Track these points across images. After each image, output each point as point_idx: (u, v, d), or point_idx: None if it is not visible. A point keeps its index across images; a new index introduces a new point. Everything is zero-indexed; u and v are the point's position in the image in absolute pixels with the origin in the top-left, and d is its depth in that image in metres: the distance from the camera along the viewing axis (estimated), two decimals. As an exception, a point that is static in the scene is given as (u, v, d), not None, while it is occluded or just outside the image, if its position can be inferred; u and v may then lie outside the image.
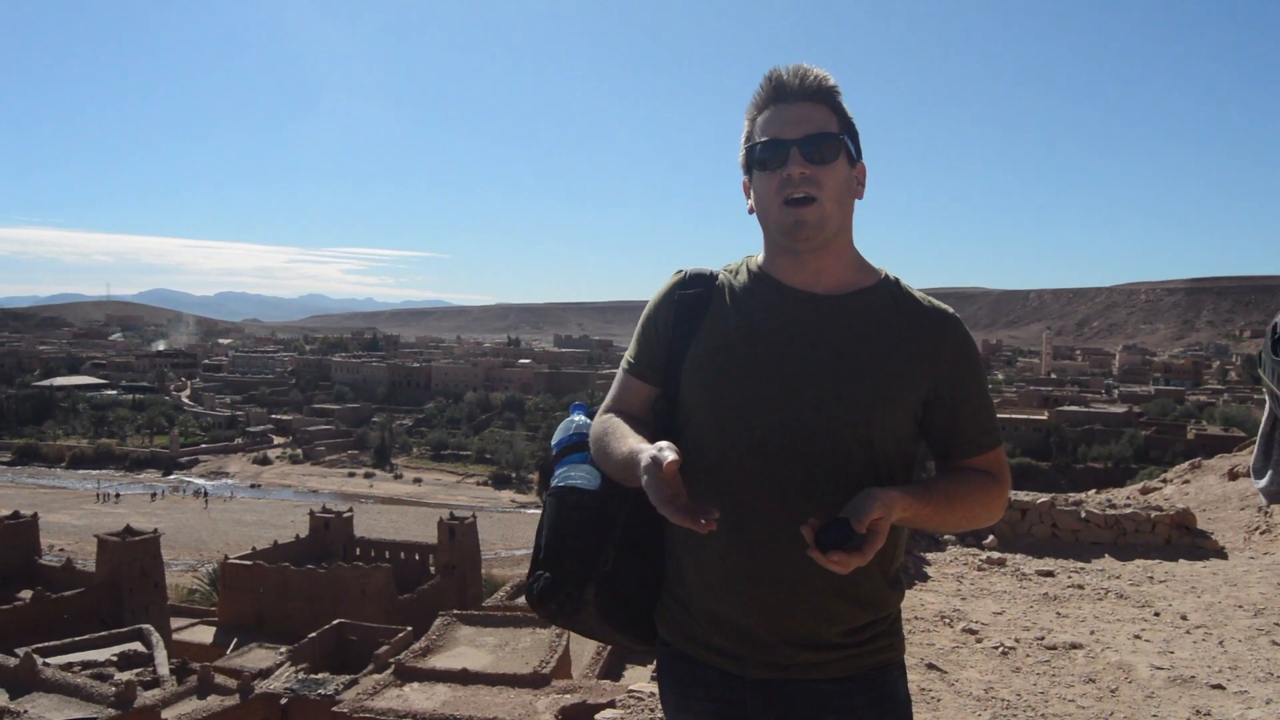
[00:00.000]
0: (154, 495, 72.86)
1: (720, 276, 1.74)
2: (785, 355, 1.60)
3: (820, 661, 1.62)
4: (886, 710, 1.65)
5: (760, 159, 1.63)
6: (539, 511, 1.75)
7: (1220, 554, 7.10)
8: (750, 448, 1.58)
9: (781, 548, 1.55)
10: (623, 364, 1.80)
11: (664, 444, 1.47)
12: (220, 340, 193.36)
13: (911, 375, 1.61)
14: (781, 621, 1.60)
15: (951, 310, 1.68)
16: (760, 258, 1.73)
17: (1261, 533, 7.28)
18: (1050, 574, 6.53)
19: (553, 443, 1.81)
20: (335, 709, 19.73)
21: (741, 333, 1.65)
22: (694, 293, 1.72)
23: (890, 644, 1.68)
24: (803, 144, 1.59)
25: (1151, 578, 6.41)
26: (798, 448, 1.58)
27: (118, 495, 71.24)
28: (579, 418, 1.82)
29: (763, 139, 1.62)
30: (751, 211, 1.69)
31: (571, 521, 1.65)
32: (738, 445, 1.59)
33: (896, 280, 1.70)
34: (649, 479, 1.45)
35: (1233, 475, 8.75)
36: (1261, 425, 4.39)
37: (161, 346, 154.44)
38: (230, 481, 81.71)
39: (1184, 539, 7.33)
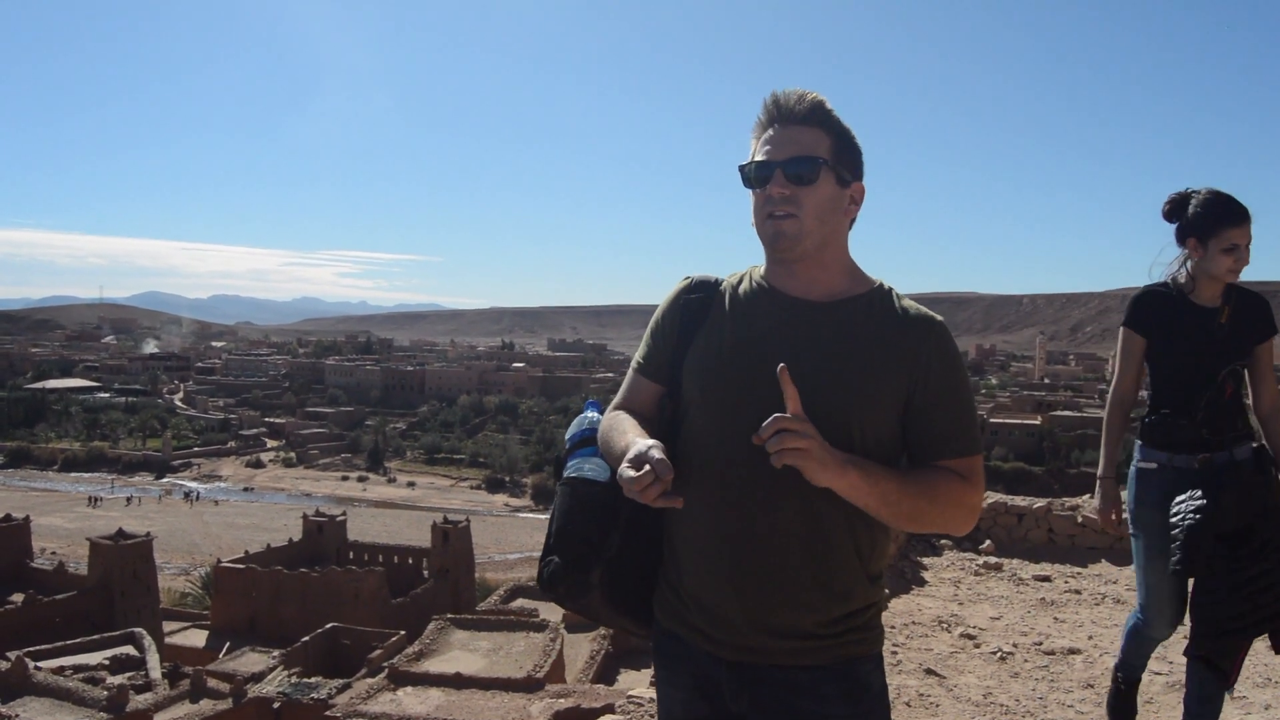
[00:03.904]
0: (128, 500, 71.06)
1: (723, 284, 1.87)
2: (774, 357, 1.68)
3: (793, 649, 1.71)
4: (858, 699, 1.72)
5: (751, 178, 1.75)
6: (536, 513, 1.78)
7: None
8: (738, 443, 1.65)
9: (763, 539, 1.68)
10: (632, 364, 1.93)
11: (653, 442, 1.61)
12: (214, 343, 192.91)
13: (892, 376, 1.69)
14: (759, 609, 1.69)
15: (938, 317, 1.75)
16: (763, 268, 1.86)
17: (1257, 538, 7.30)
18: (1047, 579, 6.53)
19: (566, 436, 1.93)
20: (328, 713, 19.65)
21: (735, 336, 1.76)
22: (697, 298, 1.85)
23: (864, 638, 1.74)
24: (786, 166, 1.70)
25: (1148, 583, 6.41)
26: None
27: (99, 499, 70.23)
28: (592, 414, 1.93)
29: (755, 160, 1.75)
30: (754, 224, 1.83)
31: (580, 509, 1.76)
32: (727, 441, 1.70)
33: (889, 290, 1.79)
34: (625, 472, 1.58)
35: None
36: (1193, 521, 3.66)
37: (154, 349, 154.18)
38: (222, 485, 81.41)
39: (1180, 544, 7.32)
